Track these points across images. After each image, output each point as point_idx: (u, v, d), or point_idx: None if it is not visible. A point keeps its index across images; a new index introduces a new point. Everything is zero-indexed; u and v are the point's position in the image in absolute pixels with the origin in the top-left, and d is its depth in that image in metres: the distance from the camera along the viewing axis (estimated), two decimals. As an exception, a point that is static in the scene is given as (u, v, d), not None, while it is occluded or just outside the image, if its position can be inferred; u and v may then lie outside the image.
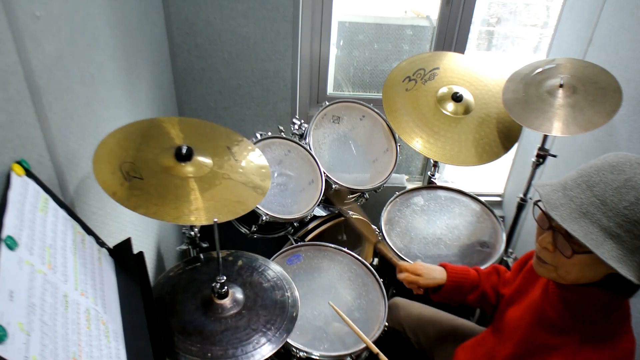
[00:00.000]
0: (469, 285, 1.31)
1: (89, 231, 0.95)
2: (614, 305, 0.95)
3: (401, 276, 1.36)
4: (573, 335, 0.97)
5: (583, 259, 0.90)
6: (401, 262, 1.39)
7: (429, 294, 1.36)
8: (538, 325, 1.05)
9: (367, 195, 1.85)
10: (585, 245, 0.85)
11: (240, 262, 1.30)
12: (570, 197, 0.90)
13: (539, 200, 0.95)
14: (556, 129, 1.48)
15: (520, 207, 1.90)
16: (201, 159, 1.13)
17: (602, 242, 0.85)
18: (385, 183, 1.80)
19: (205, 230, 1.36)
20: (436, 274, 1.32)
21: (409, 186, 1.92)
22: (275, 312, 1.16)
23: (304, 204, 1.63)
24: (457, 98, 1.76)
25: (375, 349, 1.22)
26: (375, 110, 1.86)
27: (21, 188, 0.78)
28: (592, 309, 0.95)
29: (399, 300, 1.59)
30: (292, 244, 1.62)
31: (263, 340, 1.08)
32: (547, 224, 0.96)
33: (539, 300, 1.08)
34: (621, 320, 0.95)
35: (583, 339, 0.95)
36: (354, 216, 1.74)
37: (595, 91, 1.51)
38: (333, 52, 2.25)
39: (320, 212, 1.87)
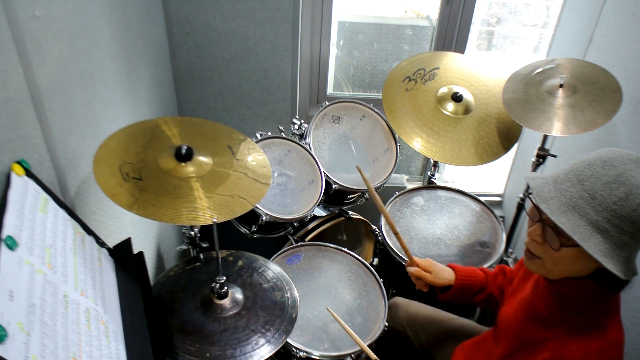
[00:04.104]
0: (477, 286, 1.31)
1: (89, 231, 0.95)
2: (602, 298, 0.95)
3: (411, 269, 1.33)
4: (562, 328, 0.97)
5: (570, 253, 0.91)
6: (414, 257, 1.37)
7: (437, 294, 1.35)
8: (529, 320, 1.06)
9: (367, 195, 1.85)
10: (573, 238, 0.86)
11: (240, 263, 1.30)
12: (560, 190, 0.91)
13: (531, 193, 0.96)
14: (556, 129, 1.48)
15: (520, 207, 1.90)
16: (202, 158, 1.13)
17: (590, 235, 0.86)
18: (385, 183, 1.80)
19: (205, 230, 1.36)
20: (445, 274, 1.31)
21: (409, 186, 1.92)
22: (275, 313, 1.16)
23: (304, 204, 1.63)
24: (457, 98, 1.76)
25: (373, 355, 1.21)
26: (375, 110, 1.86)
27: (21, 188, 0.78)
28: (581, 301, 0.96)
29: (399, 299, 1.59)
30: (292, 244, 1.62)
31: (262, 341, 1.08)
32: (537, 216, 0.97)
33: (530, 296, 1.09)
34: (610, 312, 0.96)
35: (571, 332, 0.96)
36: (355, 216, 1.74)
37: (595, 91, 1.51)
38: (333, 52, 2.25)
39: (320, 212, 1.87)
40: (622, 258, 0.87)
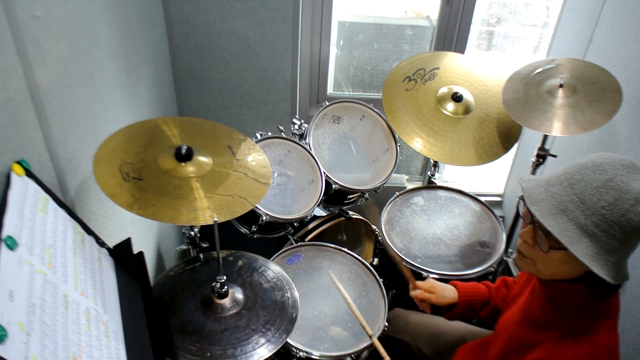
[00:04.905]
0: (481, 301, 1.31)
1: (89, 231, 0.95)
2: (595, 302, 0.95)
3: (414, 293, 1.35)
4: (553, 332, 0.98)
5: (560, 255, 0.92)
6: (416, 281, 1.38)
7: (443, 314, 1.36)
8: (524, 324, 1.06)
9: (367, 195, 1.85)
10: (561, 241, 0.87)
11: (240, 262, 1.30)
12: (551, 193, 0.92)
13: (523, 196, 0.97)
14: (556, 129, 1.48)
15: (520, 207, 1.90)
16: (202, 158, 1.13)
17: (578, 239, 0.87)
18: (385, 183, 1.80)
19: (205, 230, 1.36)
20: (448, 292, 1.32)
21: (409, 186, 1.92)
22: (275, 312, 1.16)
23: (304, 204, 1.63)
24: (457, 98, 1.76)
25: (370, 331, 1.24)
26: (375, 110, 1.86)
27: (21, 188, 0.78)
28: (573, 306, 0.96)
29: (398, 310, 1.61)
30: (292, 244, 1.62)
31: (262, 340, 1.08)
32: (529, 218, 0.98)
33: (527, 301, 1.10)
34: (602, 317, 0.96)
35: (562, 335, 0.96)
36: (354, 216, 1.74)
37: (595, 91, 1.51)
38: (333, 52, 2.25)
39: (320, 212, 1.87)
40: (611, 263, 0.87)
